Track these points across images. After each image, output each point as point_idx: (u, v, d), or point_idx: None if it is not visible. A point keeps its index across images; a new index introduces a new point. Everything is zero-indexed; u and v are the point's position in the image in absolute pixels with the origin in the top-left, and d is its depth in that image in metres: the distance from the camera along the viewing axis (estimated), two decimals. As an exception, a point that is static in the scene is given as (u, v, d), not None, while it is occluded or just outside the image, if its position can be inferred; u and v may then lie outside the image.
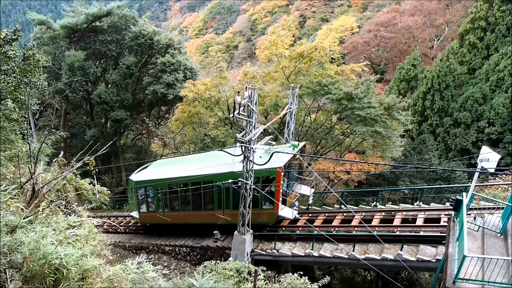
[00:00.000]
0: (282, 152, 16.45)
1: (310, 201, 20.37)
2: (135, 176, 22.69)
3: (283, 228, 19.30)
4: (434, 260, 13.58)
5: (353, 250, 15.50)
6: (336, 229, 17.72)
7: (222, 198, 18.70)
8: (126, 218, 28.89)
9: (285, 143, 19.78)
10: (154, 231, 24.22)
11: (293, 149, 18.15)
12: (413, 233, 15.38)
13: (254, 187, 16.83)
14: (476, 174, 10.99)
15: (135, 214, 23.64)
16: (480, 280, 8.21)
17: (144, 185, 21.99)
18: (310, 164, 23.85)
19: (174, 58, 33.75)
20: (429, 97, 34.31)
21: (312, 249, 16.54)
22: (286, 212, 18.06)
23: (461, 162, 29.17)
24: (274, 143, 19.58)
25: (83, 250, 7.68)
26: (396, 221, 16.88)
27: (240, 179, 16.31)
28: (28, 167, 10.99)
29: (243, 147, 15.49)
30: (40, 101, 25.61)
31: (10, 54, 14.98)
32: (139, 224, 25.48)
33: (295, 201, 19.38)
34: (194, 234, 21.62)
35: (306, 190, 20.19)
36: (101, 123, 39.21)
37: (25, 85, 15.44)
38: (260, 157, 16.67)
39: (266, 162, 15.04)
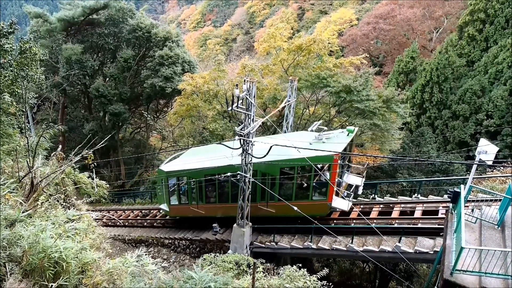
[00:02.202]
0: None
1: (360, 192, 18.39)
2: (166, 166, 21.29)
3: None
4: (432, 252, 13.66)
5: (352, 242, 15.58)
6: (335, 221, 17.80)
7: (268, 188, 17.08)
8: (125, 211, 28.97)
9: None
10: (184, 224, 23.00)
11: (348, 134, 16.65)
12: (411, 225, 15.45)
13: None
14: (474, 167, 11.03)
15: (164, 206, 22.37)
16: (477, 271, 8.27)
17: (177, 176, 20.40)
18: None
19: (172, 51, 33.58)
20: (427, 90, 34.28)
21: (310, 242, 16.63)
22: (341, 203, 16.67)
23: (459, 155, 29.24)
24: (325, 128, 18.47)
25: (82, 244, 7.72)
26: (394, 214, 16.95)
27: (239, 172, 16.33)
28: (27, 161, 10.99)
29: (241, 141, 15.46)
30: (37, 95, 25.40)
31: (7, 47, 14.89)
32: (168, 217, 24.30)
33: (351, 191, 17.62)
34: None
35: (356, 179, 18.40)
36: (99, 116, 39.12)
37: (22, 78, 15.38)
38: (310, 143, 15.98)
39: (265, 156, 14.91)
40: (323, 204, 16.44)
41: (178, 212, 22.45)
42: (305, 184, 16.61)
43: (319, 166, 16.10)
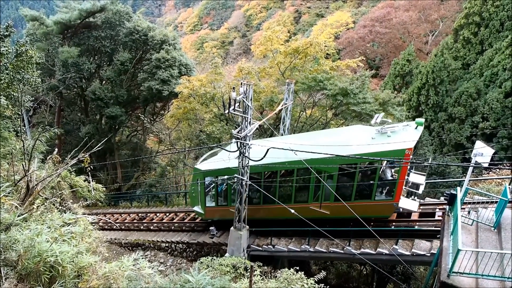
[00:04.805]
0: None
1: (420, 191, 16.34)
2: (202, 165, 19.41)
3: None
4: (428, 254, 13.69)
5: (349, 244, 15.59)
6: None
7: (321, 187, 15.82)
8: (122, 215, 28.83)
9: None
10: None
11: (417, 127, 14.98)
12: (408, 228, 15.48)
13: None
14: (470, 169, 11.08)
15: (197, 208, 20.52)
16: (474, 273, 8.29)
17: (216, 175, 18.76)
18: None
19: (169, 54, 33.59)
20: (423, 92, 34.45)
21: (308, 244, 16.61)
22: (409, 203, 15.16)
23: (456, 157, 29.36)
24: (390, 121, 17.01)
25: (78, 247, 7.67)
26: (391, 216, 16.94)
27: (236, 175, 16.28)
28: (22, 164, 10.94)
29: (238, 143, 15.44)
30: (33, 98, 25.47)
31: (3, 50, 14.87)
32: (202, 220, 22.26)
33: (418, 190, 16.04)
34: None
35: (418, 178, 16.51)
36: (96, 119, 39.01)
37: (18, 81, 15.33)
38: (373, 138, 14.89)
39: (262, 158, 14.86)
40: (388, 204, 14.97)
41: (214, 215, 20.51)
42: (371, 182, 15.18)
43: (387, 162, 15.05)
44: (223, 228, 19.83)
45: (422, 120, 15.25)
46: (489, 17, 33.32)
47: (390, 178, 15.55)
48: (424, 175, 16.75)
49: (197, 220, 22.97)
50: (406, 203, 15.18)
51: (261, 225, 18.48)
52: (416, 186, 15.93)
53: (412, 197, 17.59)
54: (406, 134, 14.50)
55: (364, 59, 42.08)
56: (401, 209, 15.31)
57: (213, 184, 19.50)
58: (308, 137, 18.71)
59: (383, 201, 15.16)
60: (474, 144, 10.93)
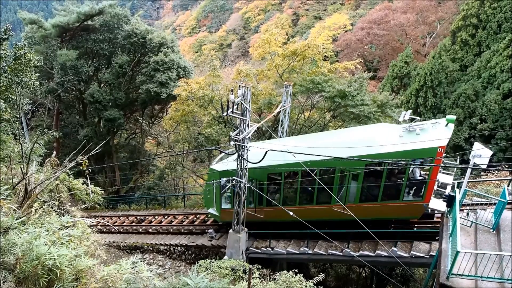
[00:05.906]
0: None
1: (447, 192, 15.46)
2: (218, 165, 18.91)
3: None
4: (427, 256, 13.70)
5: (348, 247, 15.57)
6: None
7: (346, 187, 15.27)
8: (120, 218, 28.77)
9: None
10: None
11: (447, 124, 14.25)
12: (407, 230, 15.46)
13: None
14: (469, 170, 11.08)
15: (213, 211, 19.83)
16: (473, 275, 8.29)
17: (233, 176, 17.65)
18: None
19: (167, 57, 33.60)
20: (421, 94, 34.56)
21: (306, 247, 16.59)
22: (439, 204, 14.51)
23: (454, 158, 29.41)
24: (418, 118, 16.11)
25: (76, 251, 7.64)
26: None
27: (233, 178, 16.26)
28: (20, 167, 10.91)
29: (237, 146, 15.43)
30: (32, 101, 25.36)
31: (1, 53, 14.85)
32: (215, 222, 21.65)
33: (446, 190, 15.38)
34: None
35: (445, 178, 15.52)
36: (94, 122, 38.96)
37: (17, 84, 15.33)
38: (401, 136, 14.42)
39: (260, 161, 14.79)
40: (417, 205, 14.55)
41: (230, 217, 19.14)
42: (399, 182, 14.79)
43: (418, 161, 14.51)
44: (222, 231, 19.79)
45: (453, 117, 14.38)
46: (487, 19, 33.46)
47: (419, 177, 15.17)
48: (451, 174, 15.91)
49: (196, 223, 22.94)
50: (436, 204, 14.48)
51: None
52: (444, 186, 15.25)
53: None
54: (436, 132, 14.01)
55: (362, 61, 42.27)
56: (429, 210, 14.81)
57: (229, 185, 18.69)
58: (330, 136, 18.43)
59: (412, 202, 14.76)
60: (472, 146, 10.94)
